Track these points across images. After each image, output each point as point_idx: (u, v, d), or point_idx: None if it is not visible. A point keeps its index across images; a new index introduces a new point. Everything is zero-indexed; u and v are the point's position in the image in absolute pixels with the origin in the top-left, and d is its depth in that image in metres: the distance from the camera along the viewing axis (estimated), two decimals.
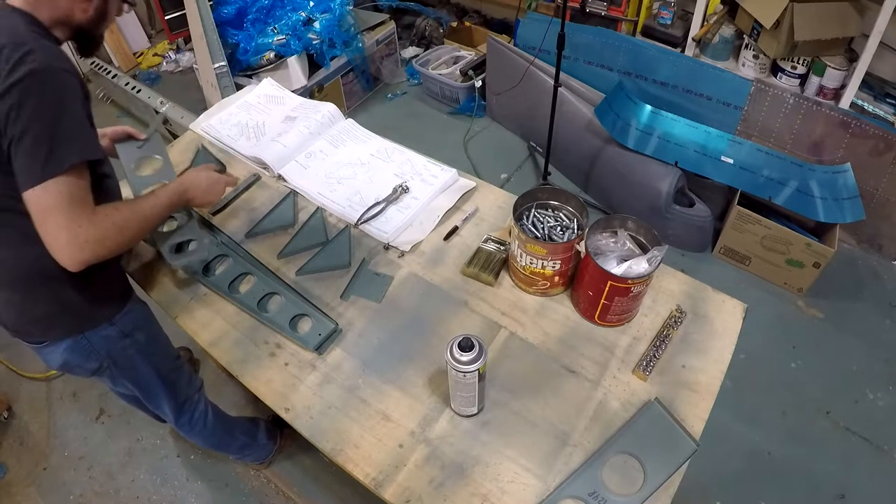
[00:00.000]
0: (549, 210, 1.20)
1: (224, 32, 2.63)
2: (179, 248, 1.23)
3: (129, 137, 1.35)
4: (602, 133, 2.30)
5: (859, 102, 2.26)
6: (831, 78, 2.28)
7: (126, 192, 1.29)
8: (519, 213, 1.18)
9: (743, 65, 2.50)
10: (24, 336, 1.13)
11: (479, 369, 0.89)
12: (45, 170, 0.88)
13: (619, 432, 0.98)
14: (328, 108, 1.60)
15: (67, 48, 1.09)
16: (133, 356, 1.24)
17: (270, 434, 1.80)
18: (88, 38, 1.07)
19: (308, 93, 2.78)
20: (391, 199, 1.37)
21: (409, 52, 3.38)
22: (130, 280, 1.27)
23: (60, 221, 0.90)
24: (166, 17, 2.88)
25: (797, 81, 2.39)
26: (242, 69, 2.71)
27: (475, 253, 1.25)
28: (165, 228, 1.25)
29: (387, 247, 1.30)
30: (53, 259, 0.96)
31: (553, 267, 1.11)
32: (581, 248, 1.11)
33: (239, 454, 1.74)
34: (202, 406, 1.50)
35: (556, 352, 1.10)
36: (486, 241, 1.27)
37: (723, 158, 2.17)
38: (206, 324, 1.19)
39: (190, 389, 1.46)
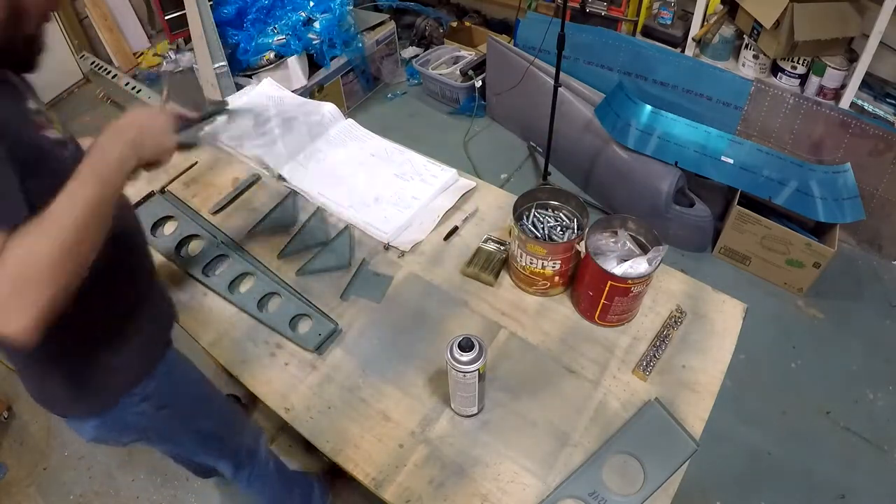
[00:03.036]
0: (549, 210, 1.20)
1: (224, 32, 2.63)
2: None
3: (183, 122, 0.95)
4: (602, 133, 2.30)
5: (859, 102, 2.26)
6: (831, 78, 2.28)
7: None
8: (519, 213, 1.18)
9: (743, 65, 2.50)
10: (50, 409, 0.97)
11: (479, 369, 0.89)
12: None
13: (619, 432, 0.98)
14: (328, 108, 1.60)
15: None
16: (175, 425, 1.08)
17: (324, 491, 1.66)
18: (12, 51, 0.73)
19: (308, 93, 2.78)
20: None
21: (409, 52, 3.38)
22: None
23: None
24: (166, 17, 2.88)
25: (797, 81, 2.38)
26: (242, 69, 2.71)
27: (475, 253, 1.25)
28: None
29: (387, 247, 1.30)
30: (59, 338, 0.73)
31: (553, 267, 1.11)
32: (581, 248, 1.11)
33: None
34: (262, 456, 1.35)
35: (556, 352, 1.10)
36: (486, 241, 1.27)
37: (723, 158, 2.17)
38: (206, 324, 1.19)
39: (247, 439, 1.30)
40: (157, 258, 1.31)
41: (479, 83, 2.94)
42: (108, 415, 0.95)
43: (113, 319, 0.91)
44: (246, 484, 1.35)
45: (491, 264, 1.22)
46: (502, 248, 1.25)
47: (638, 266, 1.04)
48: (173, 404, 1.03)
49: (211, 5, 2.57)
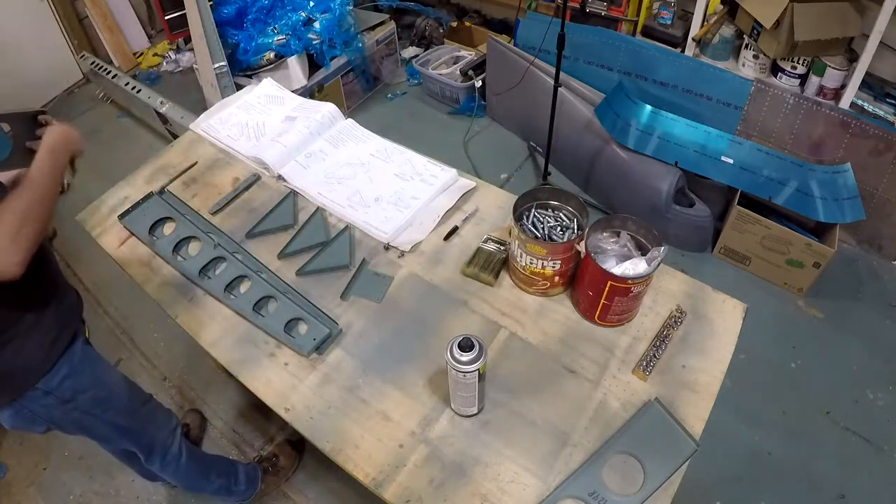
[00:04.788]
0: (549, 210, 1.20)
1: (224, 32, 2.63)
2: None
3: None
4: (602, 133, 2.30)
5: (859, 102, 2.26)
6: (831, 78, 2.28)
7: None
8: (519, 213, 1.18)
9: (743, 65, 2.50)
10: None
11: (479, 369, 0.89)
12: None
13: (619, 432, 0.98)
14: (328, 108, 1.60)
15: None
16: (80, 418, 1.19)
17: (250, 479, 1.70)
18: None
19: (308, 93, 2.78)
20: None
21: (409, 52, 3.38)
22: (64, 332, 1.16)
23: None
24: (166, 17, 2.88)
25: (797, 81, 2.38)
26: (242, 69, 2.71)
27: (475, 253, 1.25)
28: None
29: (387, 247, 1.30)
30: None
31: (553, 267, 1.11)
32: (581, 248, 1.11)
33: (216, 495, 1.64)
34: (175, 448, 1.44)
35: (556, 352, 1.10)
36: (486, 241, 1.27)
37: (723, 158, 2.17)
38: (206, 324, 1.19)
39: (161, 433, 1.40)
40: (156, 260, 1.31)
41: (479, 83, 2.94)
42: (17, 406, 1.08)
43: (13, 317, 1.01)
44: (158, 468, 1.44)
45: (491, 264, 1.22)
46: (502, 248, 1.25)
47: (638, 266, 1.04)
48: (76, 401, 1.15)
49: (211, 5, 2.57)
